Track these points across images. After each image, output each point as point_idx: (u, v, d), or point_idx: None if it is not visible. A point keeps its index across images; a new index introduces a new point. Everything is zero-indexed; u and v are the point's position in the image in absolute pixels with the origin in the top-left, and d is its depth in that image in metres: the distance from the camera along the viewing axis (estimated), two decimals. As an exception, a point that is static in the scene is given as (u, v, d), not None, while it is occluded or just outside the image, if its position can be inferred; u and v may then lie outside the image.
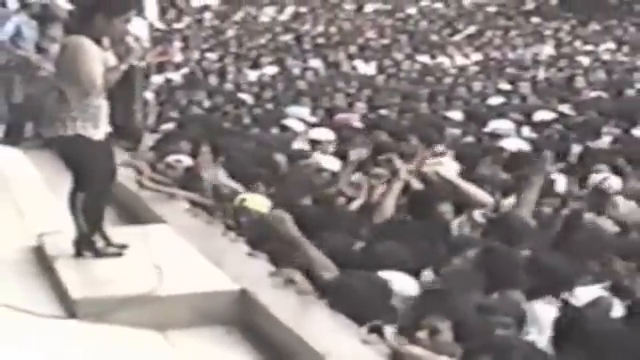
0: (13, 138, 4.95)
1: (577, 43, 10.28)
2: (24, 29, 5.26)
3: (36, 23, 5.33)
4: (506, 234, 2.74)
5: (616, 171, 3.83)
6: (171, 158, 3.88)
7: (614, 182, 3.53)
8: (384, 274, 2.40)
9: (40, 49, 5.23)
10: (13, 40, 5.19)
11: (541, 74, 7.88)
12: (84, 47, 2.63)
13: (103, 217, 2.80)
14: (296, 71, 7.95)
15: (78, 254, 2.74)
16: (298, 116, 5.41)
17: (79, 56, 2.63)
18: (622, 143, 4.71)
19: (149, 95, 5.70)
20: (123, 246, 2.78)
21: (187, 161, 3.88)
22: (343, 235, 2.79)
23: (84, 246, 2.74)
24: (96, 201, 2.74)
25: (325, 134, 4.53)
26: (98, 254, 2.75)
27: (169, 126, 5.16)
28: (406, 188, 3.19)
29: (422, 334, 2.06)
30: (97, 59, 2.64)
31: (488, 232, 2.85)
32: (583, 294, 2.39)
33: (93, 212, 2.73)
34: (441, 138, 4.86)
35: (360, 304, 2.25)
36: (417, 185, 3.25)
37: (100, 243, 2.78)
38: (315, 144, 4.36)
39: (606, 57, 9.08)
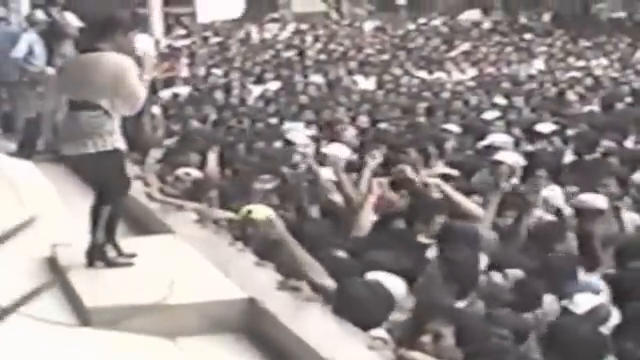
0: (26, 151, 5.06)
1: (568, 58, 10.49)
2: (36, 47, 5.41)
3: (43, 41, 5.46)
4: (452, 241, 2.86)
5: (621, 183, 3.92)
6: (180, 171, 3.98)
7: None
8: (373, 274, 2.49)
9: (51, 66, 5.37)
10: (25, 58, 5.34)
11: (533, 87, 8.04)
12: (126, 64, 2.72)
13: (116, 227, 2.90)
14: (299, 86, 8.08)
15: (90, 264, 2.83)
16: (299, 130, 5.50)
17: (125, 73, 2.71)
18: (616, 155, 4.83)
19: (157, 109, 5.82)
20: (132, 255, 2.87)
21: (196, 174, 3.98)
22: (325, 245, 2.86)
23: (96, 256, 2.83)
24: (117, 212, 2.84)
25: (339, 149, 4.59)
26: (110, 264, 2.83)
27: (175, 140, 5.26)
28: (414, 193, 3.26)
29: (426, 338, 2.13)
30: (136, 74, 2.74)
31: (438, 240, 2.96)
32: (582, 302, 2.47)
33: (113, 223, 2.83)
34: (440, 151, 4.97)
35: (363, 311, 2.33)
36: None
37: (111, 253, 2.87)
38: (325, 159, 4.40)
39: (597, 72, 9.26)
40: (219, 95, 7.51)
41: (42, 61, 5.47)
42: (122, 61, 2.73)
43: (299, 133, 5.33)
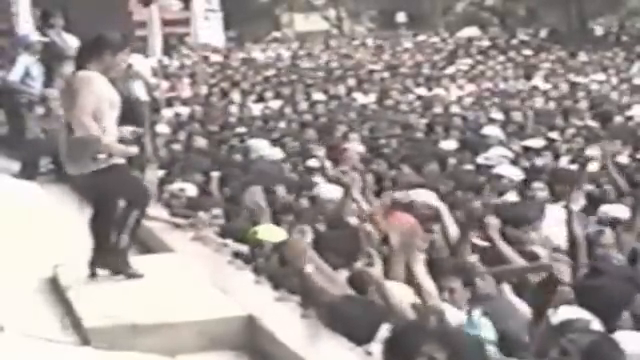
0: (29, 173, 5.09)
1: (566, 73, 10.56)
2: (32, 69, 5.50)
3: (41, 62, 5.54)
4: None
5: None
6: (175, 186, 3.99)
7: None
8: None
9: (52, 87, 5.43)
10: (22, 80, 5.42)
11: (534, 102, 8.08)
12: (84, 79, 2.83)
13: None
14: (301, 105, 8.14)
15: (118, 272, 2.88)
16: (264, 147, 5.42)
17: (80, 88, 2.81)
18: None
19: (165, 128, 5.84)
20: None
21: (190, 190, 3.99)
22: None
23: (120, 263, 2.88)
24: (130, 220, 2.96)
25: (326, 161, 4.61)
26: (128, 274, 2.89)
27: (177, 158, 5.30)
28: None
29: None
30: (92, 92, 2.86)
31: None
32: (563, 313, 2.46)
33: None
34: (439, 167, 5.00)
35: (355, 327, 2.34)
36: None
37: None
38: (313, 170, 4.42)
39: (594, 87, 9.32)
40: (220, 115, 7.55)
41: (39, 83, 5.54)
42: (84, 75, 2.78)
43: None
